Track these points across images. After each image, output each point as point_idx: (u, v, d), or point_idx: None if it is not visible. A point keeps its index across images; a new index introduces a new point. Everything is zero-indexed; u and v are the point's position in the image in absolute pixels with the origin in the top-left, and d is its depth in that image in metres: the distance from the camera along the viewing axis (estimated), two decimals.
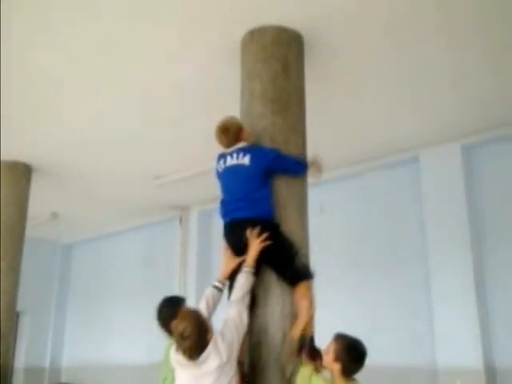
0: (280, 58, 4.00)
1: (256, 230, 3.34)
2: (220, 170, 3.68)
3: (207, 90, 5.13)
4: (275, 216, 3.56)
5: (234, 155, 3.58)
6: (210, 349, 2.86)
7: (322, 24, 4.13)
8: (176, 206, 9.02)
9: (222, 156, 3.69)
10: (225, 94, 4.90)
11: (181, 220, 9.15)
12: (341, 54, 4.55)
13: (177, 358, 2.96)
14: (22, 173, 6.97)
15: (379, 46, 4.50)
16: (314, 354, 3.32)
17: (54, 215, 9.19)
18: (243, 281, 3.24)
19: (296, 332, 3.31)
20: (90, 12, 4.03)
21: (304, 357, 3.26)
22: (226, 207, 3.57)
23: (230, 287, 3.40)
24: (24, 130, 6.08)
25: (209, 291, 3.34)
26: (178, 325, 2.87)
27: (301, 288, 3.44)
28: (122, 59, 4.70)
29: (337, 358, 2.95)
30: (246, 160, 3.52)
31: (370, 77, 5.00)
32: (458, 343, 5.68)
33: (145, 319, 9.28)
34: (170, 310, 3.45)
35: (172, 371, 3.14)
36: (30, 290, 9.18)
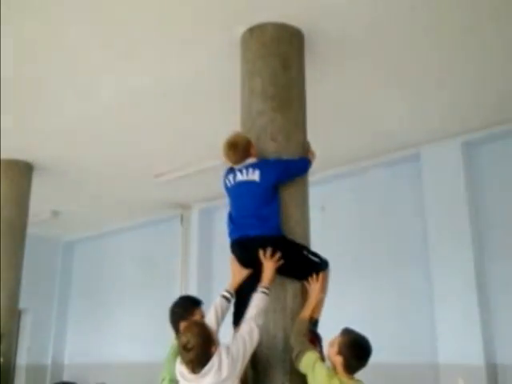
0: (280, 54, 3.99)
1: (268, 251, 3.34)
2: (229, 185, 3.65)
3: (208, 87, 5.12)
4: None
5: (244, 171, 3.55)
6: (212, 363, 2.81)
7: (321, 20, 4.12)
8: (177, 204, 9.03)
9: (231, 171, 3.65)
10: (225, 92, 4.90)
11: (182, 218, 9.15)
12: (341, 50, 4.54)
13: (180, 369, 2.92)
14: (23, 171, 6.99)
15: (379, 42, 4.49)
16: (314, 339, 3.35)
17: (55, 213, 9.21)
18: (258, 299, 3.20)
19: (306, 313, 3.32)
20: (90, 8, 4.02)
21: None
22: (235, 224, 3.55)
23: (237, 304, 3.40)
24: (25, 128, 6.08)
25: (217, 301, 3.29)
26: (182, 336, 2.85)
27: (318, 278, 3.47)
28: (122, 57, 4.69)
29: (340, 352, 2.94)
30: (256, 176, 3.49)
31: (370, 73, 4.99)
32: (459, 340, 5.68)
33: (146, 317, 9.34)
34: (182, 310, 3.43)
35: (171, 373, 3.12)
36: (31, 288, 9.17)
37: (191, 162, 7.03)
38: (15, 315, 6.88)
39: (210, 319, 3.17)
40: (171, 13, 4.07)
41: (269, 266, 3.33)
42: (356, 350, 2.95)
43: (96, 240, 11.02)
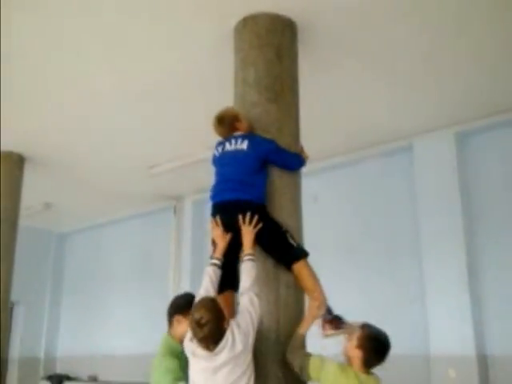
0: (273, 45, 3.98)
1: (247, 216, 3.34)
2: (217, 154, 3.69)
3: (201, 78, 5.11)
4: (268, 205, 3.55)
5: (233, 141, 3.61)
6: (226, 338, 2.79)
7: (314, 11, 4.11)
8: (170, 195, 9.02)
9: (221, 143, 3.71)
10: (218, 82, 4.87)
11: (175, 209, 9.14)
12: (334, 41, 4.53)
13: (191, 348, 2.86)
14: (15, 163, 6.95)
15: (372, 32, 4.48)
16: (339, 322, 3.34)
17: (48, 205, 9.17)
18: (248, 268, 3.18)
19: (302, 330, 3.26)
20: (87, 6, 4.01)
21: (329, 328, 3.29)
22: (218, 188, 3.58)
23: (225, 275, 3.34)
24: (17, 119, 6.03)
25: (210, 269, 3.25)
26: (195, 312, 2.80)
27: (301, 268, 3.43)
28: (116, 49, 4.68)
29: (360, 346, 2.90)
30: (244, 145, 3.55)
31: (361, 64, 4.99)
32: (451, 331, 5.72)
33: (139, 309, 9.34)
34: (184, 302, 3.38)
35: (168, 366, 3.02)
36: (24, 280, 9.16)
37: (184, 153, 7.01)
38: (7, 308, 6.85)
39: (207, 289, 3.14)
40: (164, 4, 4.06)
41: (247, 231, 3.32)
42: (376, 344, 2.92)
43: (89, 232, 10.99)
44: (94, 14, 4.20)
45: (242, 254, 3.30)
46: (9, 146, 6.71)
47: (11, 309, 9.45)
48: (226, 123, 3.67)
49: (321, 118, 5.98)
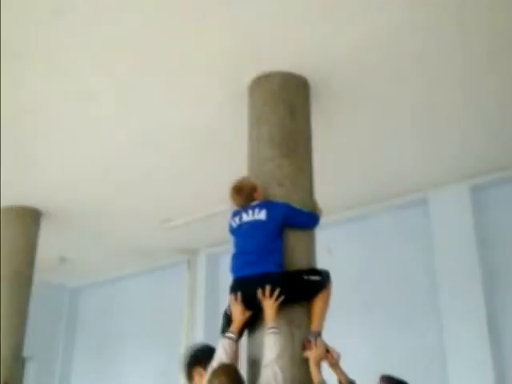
0: (287, 102, 4.07)
1: (267, 290, 3.33)
2: (235, 225, 3.71)
3: (216, 133, 5.19)
4: (283, 258, 3.55)
5: (250, 211, 3.63)
6: None
7: (327, 70, 4.21)
8: (184, 249, 8.99)
9: (238, 213, 3.73)
10: (232, 138, 4.96)
11: (189, 263, 9.10)
12: (346, 98, 4.62)
13: None
14: (31, 217, 6.99)
15: (382, 90, 4.57)
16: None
17: (63, 260, 9.18)
18: (273, 341, 3.16)
19: (316, 378, 3.25)
20: (101, 63, 4.15)
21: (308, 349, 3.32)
22: (237, 260, 3.60)
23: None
24: (32, 174, 6.14)
25: (226, 342, 3.24)
26: (215, 379, 2.80)
27: (319, 297, 3.52)
28: (130, 103, 4.79)
29: None
30: (262, 215, 3.57)
31: (374, 120, 5.05)
32: None
33: (153, 364, 9.18)
34: (201, 354, 3.36)
35: None
36: (36, 336, 9.07)
37: (198, 207, 7.05)
38: (20, 363, 6.78)
39: (221, 359, 3.11)
40: (181, 62, 4.18)
41: (269, 304, 3.30)
42: None
43: (102, 286, 10.94)
44: (107, 71, 4.33)
45: (266, 327, 3.27)
46: (25, 200, 6.79)
47: (23, 364, 9.32)
48: (245, 193, 3.71)
49: (334, 172, 6.01)
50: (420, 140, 5.47)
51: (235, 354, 3.27)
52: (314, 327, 3.45)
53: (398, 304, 6.59)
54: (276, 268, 3.47)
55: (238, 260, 3.59)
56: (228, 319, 3.50)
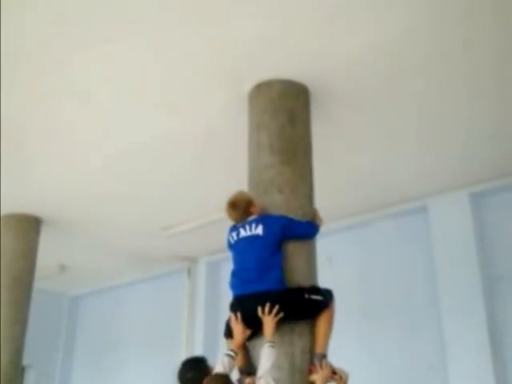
0: (286, 109, 4.09)
1: (267, 308, 3.32)
2: (232, 241, 3.70)
3: (215, 140, 5.20)
4: (283, 267, 3.54)
5: (247, 227, 3.61)
6: None
7: (327, 77, 4.23)
8: (184, 256, 8.97)
9: (235, 228, 3.72)
10: (232, 145, 4.97)
11: (189, 271, 9.09)
12: (345, 105, 4.63)
13: None
14: (31, 225, 6.99)
15: (382, 97, 4.58)
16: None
17: (62, 267, 9.16)
18: (268, 353, 3.18)
19: None
20: (102, 61, 4.18)
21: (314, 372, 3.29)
22: (236, 278, 3.59)
23: None
24: (33, 182, 6.15)
25: (225, 359, 3.27)
26: None
27: (323, 316, 3.49)
28: (130, 109, 4.80)
29: None
30: (259, 230, 3.55)
31: (374, 127, 5.07)
32: None
33: (153, 372, 9.14)
34: (198, 372, 3.37)
35: None
36: (35, 344, 9.03)
37: (198, 214, 7.04)
38: (19, 371, 6.75)
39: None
40: (180, 69, 4.20)
41: (268, 320, 3.31)
42: None
43: (101, 294, 10.90)
44: (107, 78, 4.35)
45: (263, 340, 3.28)
46: (25, 208, 6.79)
47: (22, 372, 9.28)
48: (240, 208, 3.68)
49: (334, 179, 6.01)
50: (420, 147, 5.48)
51: (232, 370, 3.30)
52: (319, 349, 3.41)
53: (398, 312, 6.57)
54: (277, 285, 3.45)
55: (238, 277, 3.57)
56: (229, 327, 3.53)
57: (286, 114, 4.06)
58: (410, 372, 6.20)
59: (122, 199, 6.68)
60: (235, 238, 3.67)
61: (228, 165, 5.46)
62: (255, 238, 3.55)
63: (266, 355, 3.17)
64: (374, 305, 6.80)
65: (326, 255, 6.60)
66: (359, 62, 4.09)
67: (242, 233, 3.62)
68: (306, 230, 3.76)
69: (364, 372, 6.17)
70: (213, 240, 7.68)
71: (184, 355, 8.34)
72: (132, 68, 4.20)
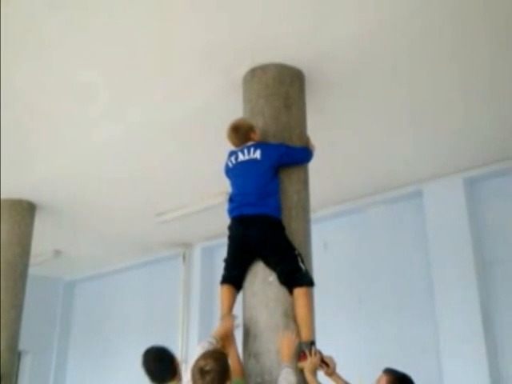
0: (281, 94, 4.06)
1: (287, 336, 3.31)
2: (231, 165, 3.76)
3: (210, 125, 5.17)
4: None
5: (245, 151, 3.69)
6: None
7: (322, 61, 4.20)
8: (179, 242, 8.99)
9: (234, 153, 3.79)
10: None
11: (184, 257, 9.11)
12: (341, 90, 4.61)
13: None
14: (26, 210, 6.98)
15: (378, 82, 4.56)
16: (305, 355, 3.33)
17: (57, 252, 9.16)
18: (287, 374, 3.13)
19: (286, 360, 3.28)
20: (92, 50, 4.12)
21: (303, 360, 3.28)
22: (234, 201, 3.63)
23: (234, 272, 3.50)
24: (27, 167, 6.12)
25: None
26: (200, 360, 2.78)
27: (301, 295, 3.41)
28: (123, 95, 4.77)
29: None
30: (257, 154, 3.63)
31: (370, 112, 5.05)
32: (466, 381, 5.57)
33: None
34: (165, 361, 3.38)
35: None
36: (31, 329, 9.05)
37: (193, 200, 7.04)
38: (15, 356, 6.78)
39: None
40: (175, 54, 4.16)
41: (287, 344, 3.28)
42: None
43: (97, 280, 10.93)
44: (103, 64, 4.31)
45: (281, 364, 3.25)
46: (20, 193, 6.78)
47: (18, 357, 9.32)
48: (241, 133, 3.78)
49: (329, 165, 6.00)
50: (414, 133, 5.48)
51: None
52: (305, 337, 3.37)
53: (392, 296, 6.61)
54: (275, 212, 3.52)
55: (237, 201, 3.62)
56: (228, 265, 3.61)
57: (281, 99, 4.03)
58: (404, 356, 6.24)
59: (117, 185, 6.67)
60: (233, 161, 3.74)
61: (223, 150, 5.44)
62: (253, 162, 3.62)
63: (285, 374, 3.12)
64: (368, 290, 6.83)
65: (321, 241, 6.64)
66: (355, 47, 4.06)
67: (241, 157, 3.69)
68: (301, 155, 3.88)
69: (358, 356, 6.24)
70: (208, 226, 7.70)
71: (180, 340, 8.42)
72: (126, 52, 4.16)
